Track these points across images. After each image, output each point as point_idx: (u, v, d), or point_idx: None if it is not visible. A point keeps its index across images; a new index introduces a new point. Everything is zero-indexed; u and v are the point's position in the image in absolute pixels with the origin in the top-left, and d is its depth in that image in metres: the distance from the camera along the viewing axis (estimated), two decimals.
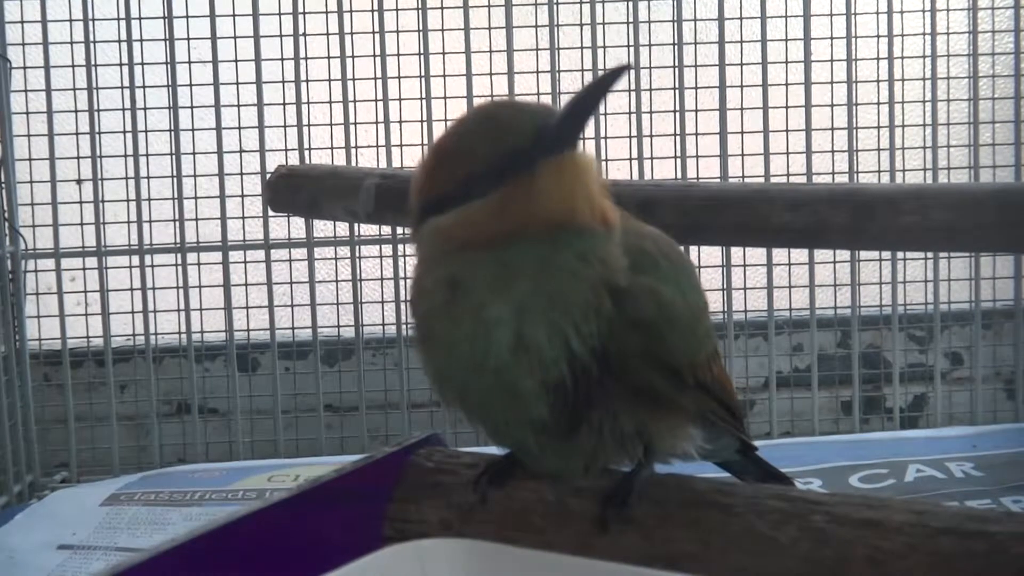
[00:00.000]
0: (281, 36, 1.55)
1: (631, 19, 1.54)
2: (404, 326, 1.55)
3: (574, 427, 0.68)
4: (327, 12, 1.53)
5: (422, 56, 1.52)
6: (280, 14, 1.54)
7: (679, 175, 1.55)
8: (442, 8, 1.55)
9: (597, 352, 0.66)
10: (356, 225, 1.54)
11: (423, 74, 1.52)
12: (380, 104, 1.53)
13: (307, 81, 1.54)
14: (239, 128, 1.56)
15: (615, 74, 0.65)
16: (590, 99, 0.66)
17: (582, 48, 1.56)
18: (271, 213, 1.52)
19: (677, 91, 1.56)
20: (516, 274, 0.65)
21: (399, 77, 1.55)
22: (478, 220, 0.66)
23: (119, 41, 1.52)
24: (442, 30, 1.55)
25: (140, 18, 1.53)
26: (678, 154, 1.56)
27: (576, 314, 0.65)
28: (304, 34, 1.53)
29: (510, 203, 0.66)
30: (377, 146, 1.55)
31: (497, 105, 0.73)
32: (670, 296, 0.69)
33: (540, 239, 0.66)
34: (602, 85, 0.66)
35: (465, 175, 0.67)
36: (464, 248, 0.67)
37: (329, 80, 1.55)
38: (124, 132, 1.54)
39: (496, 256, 0.66)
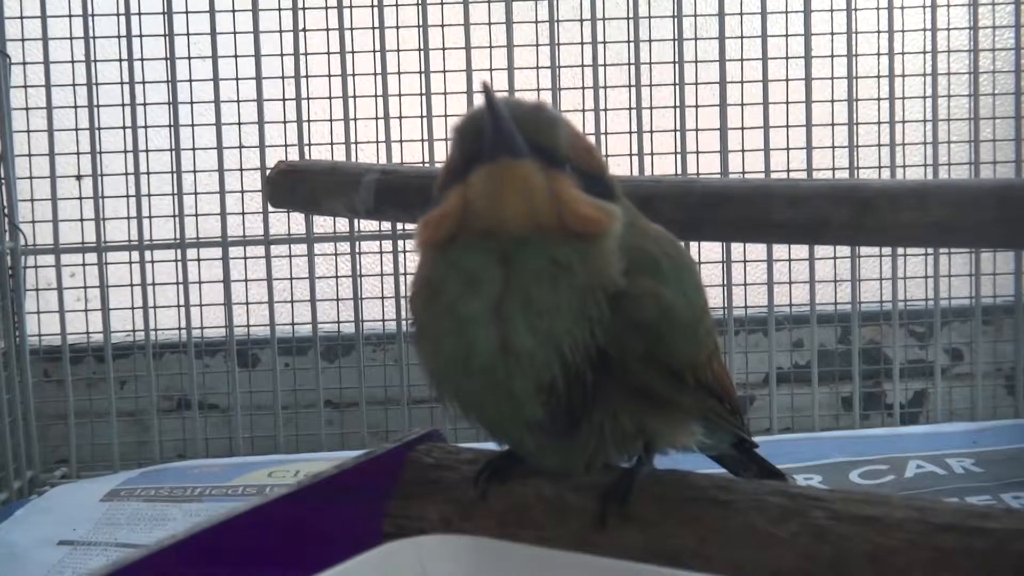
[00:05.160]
0: (281, 32, 1.54)
1: (631, 14, 1.53)
2: (404, 322, 1.55)
3: (573, 426, 0.68)
4: (327, 8, 1.53)
5: (422, 52, 1.52)
6: (280, 10, 1.54)
7: (679, 171, 1.55)
8: (442, 4, 1.55)
9: (593, 355, 0.65)
10: (356, 221, 1.54)
11: (423, 70, 1.52)
12: (380, 100, 1.53)
13: (307, 77, 1.54)
14: (239, 124, 1.56)
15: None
16: (496, 111, 0.64)
17: (582, 43, 1.56)
18: (271, 209, 1.51)
19: (677, 87, 1.56)
20: (480, 277, 0.64)
21: (399, 73, 1.55)
22: (429, 222, 0.66)
23: (119, 37, 1.52)
24: (442, 25, 1.55)
25: (140, 14, 1.52)
26: (678, 150, 1.56)
27: (566, 319, 0.64)
28: (304, 30, 1.53)
29: (450, 208, 0.65)
30: (377, 142, 1.55)
31: (490, 101, 0.71)
32: (671, 298, 0.68)
33: (504, 244, 0.64)
34: (496, 106, 0.63)
35: (446, 174, 0.67)
36: (428, 246, 0.67)
37: (329, 76, 1.55)
38: (124, 128, 1.54)
39: (457, 257, 0.65)
